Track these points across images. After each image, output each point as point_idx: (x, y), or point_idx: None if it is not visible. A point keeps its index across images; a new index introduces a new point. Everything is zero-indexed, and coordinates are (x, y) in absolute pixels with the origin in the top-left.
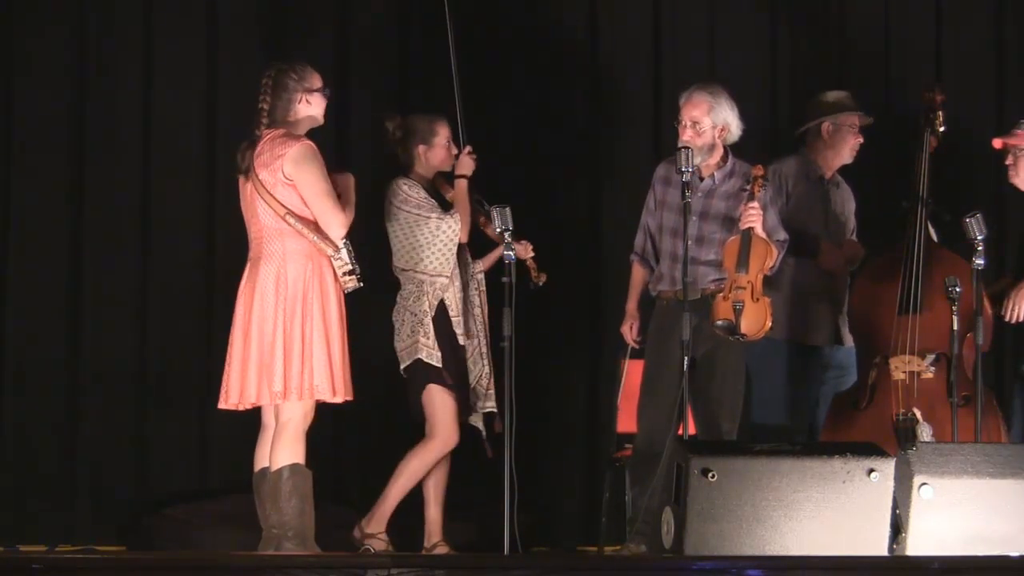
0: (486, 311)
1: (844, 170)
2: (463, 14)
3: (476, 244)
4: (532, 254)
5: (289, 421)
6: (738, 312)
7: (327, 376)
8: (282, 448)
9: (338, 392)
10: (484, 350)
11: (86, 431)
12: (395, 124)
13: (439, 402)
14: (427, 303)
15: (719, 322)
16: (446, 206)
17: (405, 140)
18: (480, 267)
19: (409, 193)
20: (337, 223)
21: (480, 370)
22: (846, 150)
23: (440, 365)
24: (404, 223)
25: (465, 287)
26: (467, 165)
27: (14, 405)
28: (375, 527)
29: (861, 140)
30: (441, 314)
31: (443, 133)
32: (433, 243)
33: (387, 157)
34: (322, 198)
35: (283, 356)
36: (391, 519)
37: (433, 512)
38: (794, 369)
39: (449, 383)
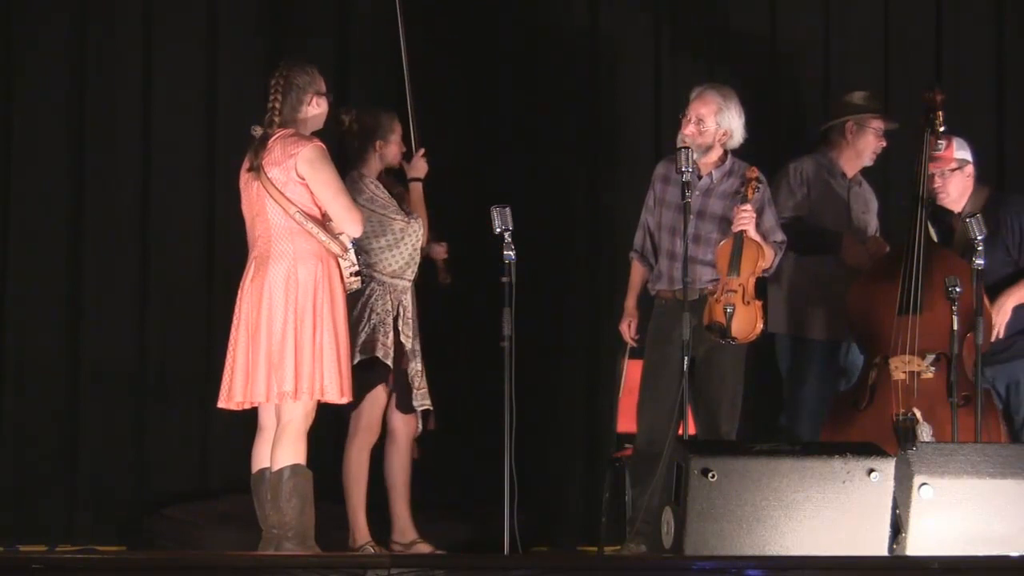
0: (415, 311)
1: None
2: (462, 12)
3: None
4: (445, 256)
5: (291, 421)
6: (729, 315)
7: (336, 378)
8: (284, 448)
9: (345, 393)
10: (416, 347)
11: (86, 431)
12: (351, 117)
13: (376, 401)
14: (390, 304)
15: (711, 324)
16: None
17: (362, 134)
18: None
19: (376, 192)
20: (353, 221)
21: (414, 367)
22: (868, 152)
23: (392, 366)
24: (368, 222)
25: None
26: (421, 168)
27: (14, 405)
28: (360, 539)
29: (884, 144)
30: (398, 316)
31: (397, 130)
32: (397, 246)
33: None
34: (339, 198)
35: (294, 356)
36: (373, 525)
37: (400, 509)
38: (817, 368)
39: (392, 384)
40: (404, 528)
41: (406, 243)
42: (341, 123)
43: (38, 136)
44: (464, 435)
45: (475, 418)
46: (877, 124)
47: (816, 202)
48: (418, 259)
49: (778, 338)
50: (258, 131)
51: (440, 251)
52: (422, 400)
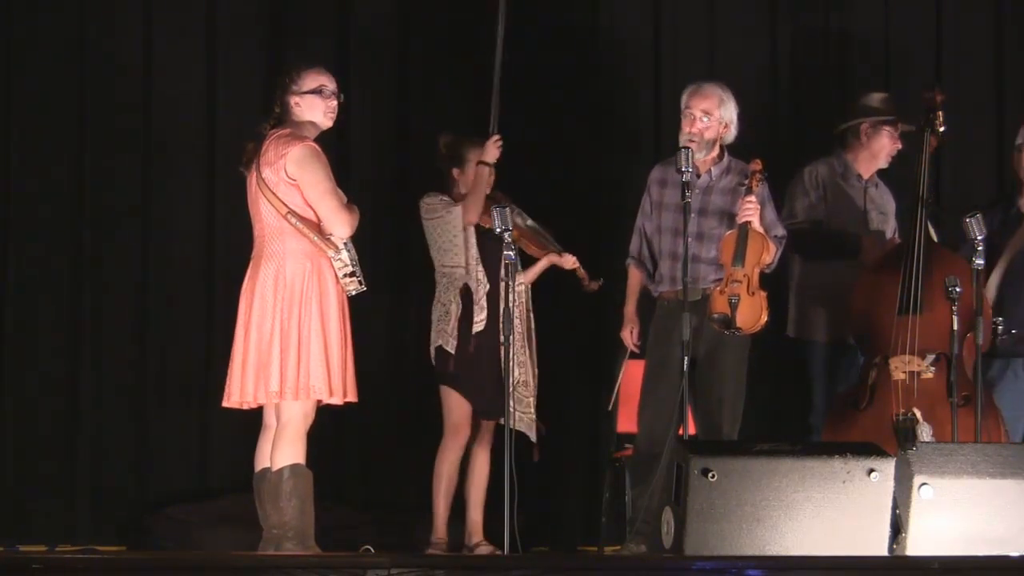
0: (528, 321)
1: None
2: (462, 10)
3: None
4: (576, 265)
5: (289, 421)
6: (734, 306)
7: (324, 376)
8: (283, 448)
9: (335, 393)
10: (523, 358)
11: (86, 431)
12: (444, 141)
13: (445, 397)
14: (451, 294)
15: (715, 315)
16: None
17: (445, 159)
18: (521, 279)
19: (429, 202)
20: (342, 222)
21: (519, 377)
22: (883, 155)
23: (453, 352)
24: (429, 228)
25: (494, 279)
26: (491, 153)
27: (14, 405)
28: (438, 534)
29: (899, 146)
30: (467, 304)
31: (474, 157)
32: (444, 236)
33: (386, 158)
34: (327, 198)
35: (280, 355)
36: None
37: (473, 514)
38: (834, 370)
39: (453, 371)
40: (471, 531)
41: (448, 231)
42: (436, 146)
43: (38, 136)
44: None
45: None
46: (892, 126)
47: (832, 205)
48: (459, 242)
49: (814, 345)
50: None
51: (567, 262)
52: (525, 409)
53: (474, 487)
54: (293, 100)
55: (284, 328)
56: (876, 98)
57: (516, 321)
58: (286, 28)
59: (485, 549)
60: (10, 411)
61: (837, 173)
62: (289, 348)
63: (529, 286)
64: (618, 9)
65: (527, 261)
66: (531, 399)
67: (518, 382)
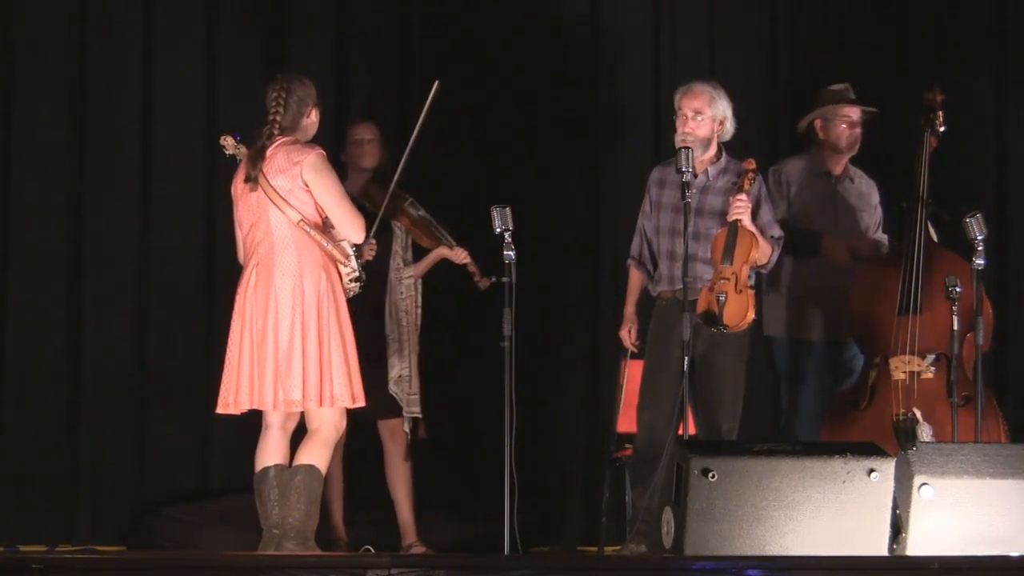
0: (415, 316)
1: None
2: (462, 9)
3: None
4: (467, 260)
5: (320, 428)
6: (721, 304)
7: (347, 384)
8: (308, 451)
9: (358, 400)
10: (407, 351)
11: (86, 431)
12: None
13: None
14: None
15: (702, 312)
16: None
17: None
18: (410, 272)
19: None
20: (356, 227)
21: (397, 373)
22: (842, 143)
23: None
24: None
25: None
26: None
27: (14, 405)
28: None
29: (858, 132)
30: None
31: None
32: None
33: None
34: (343, 203)
35: (302, 366)
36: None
37: (402, 515)
38: (815, 370)
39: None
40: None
41: None
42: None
43: (38, 137)
44: (464, 435)
45: (475, 418)
46: (844, 113)
47: (799, 203)
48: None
49: (775, 341)
50: (228, 142)
51: (458, 256)
52: (408, 407)
53: (394, 488)
54: (312, 111)
55: (304, 340)
56: (828, 90)
57: (402, 314)
58: (285, 29)
59: (419, 549)
60: (10, 411)
61: (805, 170)
62: (310, 359)
63: (419, 280)
64: (618, 9)
65: (419, 254)
66: (413, 397)
67: (399, 378)
